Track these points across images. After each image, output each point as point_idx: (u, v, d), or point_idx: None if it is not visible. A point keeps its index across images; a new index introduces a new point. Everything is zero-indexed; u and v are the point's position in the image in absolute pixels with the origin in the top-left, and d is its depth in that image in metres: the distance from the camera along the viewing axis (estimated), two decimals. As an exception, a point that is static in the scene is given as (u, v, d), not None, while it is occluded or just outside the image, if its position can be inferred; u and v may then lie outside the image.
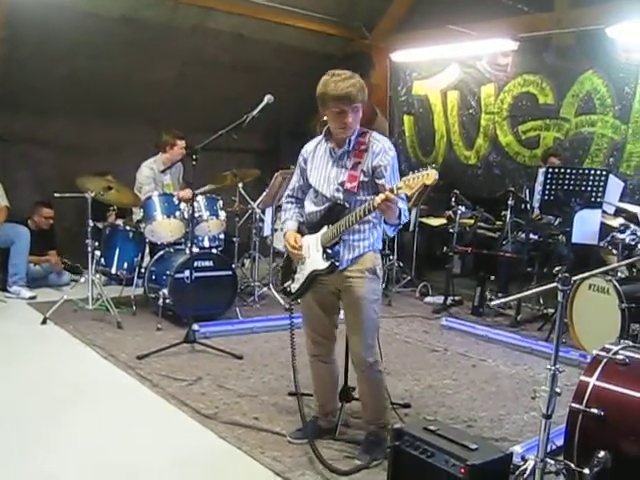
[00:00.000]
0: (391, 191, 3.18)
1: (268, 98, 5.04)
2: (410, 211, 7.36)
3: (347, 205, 3.47)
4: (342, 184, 3.49)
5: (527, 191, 7.47)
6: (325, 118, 4.14)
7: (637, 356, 3.30)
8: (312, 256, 3.59)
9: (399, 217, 3.42)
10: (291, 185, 3.88)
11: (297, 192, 3.83)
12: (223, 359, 5.29)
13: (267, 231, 7.44)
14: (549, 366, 2.78)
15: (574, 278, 2.66)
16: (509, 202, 7.18)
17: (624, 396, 3.15)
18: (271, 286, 7.27)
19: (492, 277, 7.41)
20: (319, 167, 3.64)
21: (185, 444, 3.86)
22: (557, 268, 2.62)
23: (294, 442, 3.82)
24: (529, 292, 3.25)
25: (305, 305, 3.81)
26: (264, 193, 7.18)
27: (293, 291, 3.76)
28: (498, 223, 7.56)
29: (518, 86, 8.58)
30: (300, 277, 3.67)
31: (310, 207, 3.69)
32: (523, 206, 7.34)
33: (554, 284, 2.66)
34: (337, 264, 3.49)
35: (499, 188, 7.59)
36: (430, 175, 3.07)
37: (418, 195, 6.80)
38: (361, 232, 3.54)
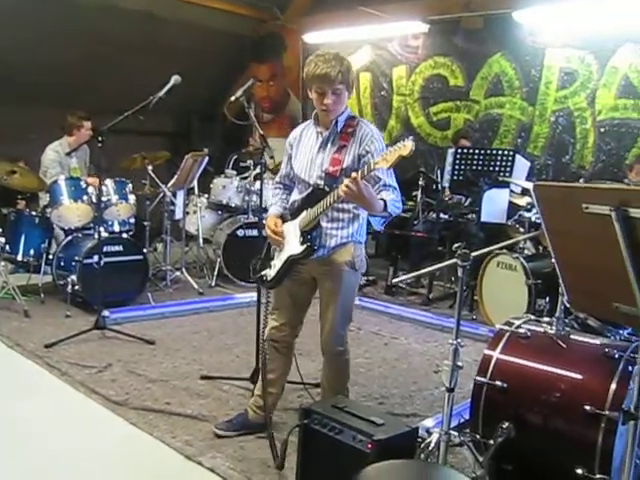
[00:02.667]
0: (369, 167, 3.04)
1: (175, 79, 4.94)
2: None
3: (327, 189, 3.32)
4: (326, 169, 3.39)
5: (438, 171, 7.59)
6: (233, 98, 4.12)
7: (538, 329, 3.41)
8: (290, 242, 3.48)
9: (385, 208, 3.23)
10: (280, 172, 3.79)
11: (284, 179, 3.75)
12: (134, 345, 5.20)
13: (179, 214, 7.34)
14: (451, 341, 2.82)
15: (473, 254, 2.71)
16: (420, 182, 7.27)
17: (525, 368, 3.25)
18: (184, 270, 7.20)
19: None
20: (304, 153, 3.53)
21: (95, 432, 3.79)
22: (456, 245, 2.66)
23: (221, 434, 3.72)
24: (430, 269, 3.30)
25: (277, 292, 3.67)
26: (175, 176, 7.07)
27: (269, 279, 3.60)
28: (410, 203, 7.65)
29: (429, 68, 8.72)
30: (277, 263, 3.55)
31: (294, 195, 3.62)
32: (434, 186, 7.47)
33: (454, 260, 2.71)
34: (314, 248, 3.38)
35: (410, 169, 7.68)
36: (407, 146, 2.91)
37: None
38: (340, 221, 3.44)
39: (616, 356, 3.07)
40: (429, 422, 3.77)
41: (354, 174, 3.03)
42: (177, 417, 3.94)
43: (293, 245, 3.46)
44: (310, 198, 3.42)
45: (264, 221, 3.72)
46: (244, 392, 4.28)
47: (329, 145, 3.45)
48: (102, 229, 5.84)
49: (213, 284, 7.21)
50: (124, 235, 6.44)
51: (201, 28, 9.16)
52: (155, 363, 4.85)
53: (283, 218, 3.60)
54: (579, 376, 3.12)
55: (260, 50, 10.40)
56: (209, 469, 3.37)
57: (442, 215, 7.22)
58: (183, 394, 4.29)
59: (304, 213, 3.43)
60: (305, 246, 3.39)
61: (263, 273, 3.67)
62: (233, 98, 4.12)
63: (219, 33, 9.46)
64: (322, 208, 3.30)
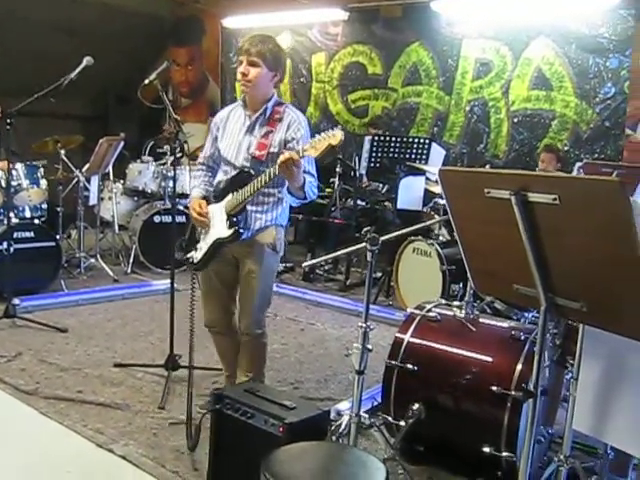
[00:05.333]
0: (297, 153, 3.10)
1: (87, 60, 4.82)
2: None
3: (253, 173, 3.38)
4: (252, 152, 3.43)
5: (356, 159, 7.65)
6: (146, 81, 4.04)
7: (448, 313, 3.49)
8: (216, 225, 3.50)
9: (303, 189, 3.32)
10: (203, 153, 3.77)
11: (208, 160, 3.74)
12: (46, 333, 5.07)
13: (93, 200, 7.17)
14: (360, 324, 2.86)
15: (382, 238, 2.75)
16: (338, 170, 7.30)
17: (436, 351, 3.33)
18: (98, 257, 7.06)
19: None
20: (231, 135, 3.55)
21: (3, 423, 3.68)
22: (365, 229, 2.69)
23: None
24: (340, 252, 3.34)
25: (205, 276, 3.71)
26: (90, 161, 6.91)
27: (196, 261, 3.62)
28: (327, 190, 7.70)
29: (348, 56, 8.78)
30: (204, 246, 3.56)
31: (219, 176, 3.63)
32: (352, 173, 7.51)
33: (363, 244, 2.74)
34: (241, 231, 3.41)
35: (328, 156, 7.70)
36: (336, 135, 2.99)
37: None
38: (264, 204, 3.48)
39: (522, 338, 3.18)
40: (343, 405, 3.81)
41: (291, 154, 3.09)
42: (89, 405, 3.87)
43: (220, 228, 3.48)
44: (236, 181, 3.45)
45: (188, 204, 3.72)
46: (158, 379, 4.23)
47: (257, 129, 3.49)
48: (12, 215, 5.66)
49: (129, 271, 7.09)
50: (36, 221, 6.26)
51: (117, 8, 8.95)
52: (67, 351, 4.74)
53: (207, 200, 3.61)
54: (487, 358, 3.22)
55: (179, 33, 10.27)
56: (121, 457, 3.32)
57: (359, 202, 7.29)
58: (96, 382, 4.21)
59: (230, 196, 3.46)
60: (233, 230, 3.42)
61: (189, 255, 3.68)
62: (147, 81, 4.04)
63: (137, 14, 9.27)
64: (252, 191, 3.34)
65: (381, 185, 7.35)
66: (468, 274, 2.29)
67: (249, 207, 3.46)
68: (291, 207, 3.69)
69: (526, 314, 3.74)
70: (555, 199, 1.79)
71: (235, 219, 3.43)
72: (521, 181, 1.87)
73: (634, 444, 2.17)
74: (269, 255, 3.54)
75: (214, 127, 3.68)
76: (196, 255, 3.63)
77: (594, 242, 1.79)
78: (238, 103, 3.63)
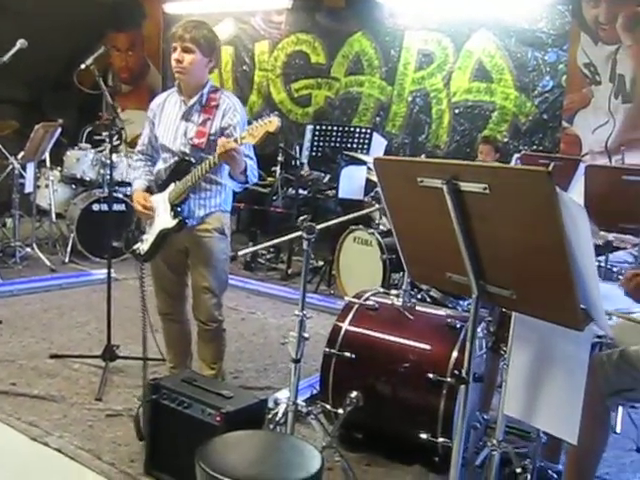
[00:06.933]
0: (235, 141, 3.12)
1: (21, 43, 4.69)
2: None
3: (193, 161, 3.40)
4: (190, 139, 3.43)
5: (297, 148, 7.64)
6: (83, 66, 3.97)
7: (386, 301, 3.52)
8: (161, 215, 3.48)
9: (245, 173, 3.36)
10: (141, 141, 3.72)
11: (147, 149, 3.70)
12: (-21, 325, 4.96)
13: (29, 188, 7.00)
14: (297, 312, 2.87)
15: (319, 226, 2.76)
16: (279, 158, 7.30)
17: (373, 339, 3.36)
18: (35, 246, 6.90)
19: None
20: (167, 121, 3.53)
21: None
22: (302, 217, 2.70)
23: None
24: (275, 241, 3.35)
25: (154, 265, 3.68)
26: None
27: (143, 253, 3.59)
28: (269, 179, 7.68)
29: (292, 44, 8.76)
30: (149, 237, 3.54)
31: (159, 165, 3.60)
32: (293, 162, 7.51)
33: (299, 233, 2.74)
34: (186, 221, 3.41)
35: (270, 144, 7.70)
36: (273, 122, 3.03)
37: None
38: (208, 191, 3.48)
39: (458, 326, 3.23)
40: (282, 394, 3.80)
41: (230, 142, 3.11)
42: (23, 398, 3.79)
43: (164, 218, 3.47)
44: (177, 170, 3.46)
45: (132, 193, 3.68)
46: (95, 370, 4.17)
47: (194, 115, 3.48)
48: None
49: (66, 260, 6.95)
50: (-32, 209, 6.11)
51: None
52: (1, 343, 4.63)
53: (150, 191, 3.59)
54: (423, 346, 3.26)
55: (119, 18, 10.08)
56: (56, 449, 3.26)
57: (301, 191, 7.28)
58: (30, 374, 4.13)
59: (172, 185, 3.45)
60: (177, 220, 3.41)
61: (135, 247, 3.64)
62: (83, 66, 3.98)
63: (76, -3, 9.06)
64: (193, 180, 3.35)
65: (323, 174, 7.35)
66: (403, 262, 2.31)
67: (192, 195, 3.46)
68: (233, 195, 3.68)
69: (461, 302, 3.80)
70: (485, 188, 1.82)
71: (179, 209, 3.42)
72: (453, 170, 1.89)
73: (561, 428, 2.22)
74: (219, 240, 3.54)
75: (150, 114, 3.65)
76: (142, 246, 3.60)
77: (522, 231, 1.82)
78: (174, 89, 3.60)
